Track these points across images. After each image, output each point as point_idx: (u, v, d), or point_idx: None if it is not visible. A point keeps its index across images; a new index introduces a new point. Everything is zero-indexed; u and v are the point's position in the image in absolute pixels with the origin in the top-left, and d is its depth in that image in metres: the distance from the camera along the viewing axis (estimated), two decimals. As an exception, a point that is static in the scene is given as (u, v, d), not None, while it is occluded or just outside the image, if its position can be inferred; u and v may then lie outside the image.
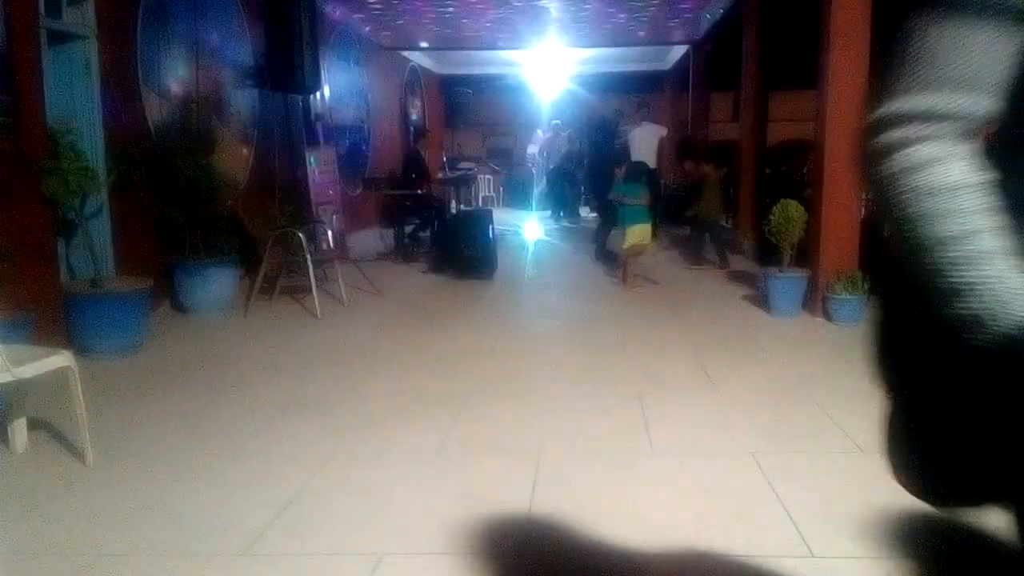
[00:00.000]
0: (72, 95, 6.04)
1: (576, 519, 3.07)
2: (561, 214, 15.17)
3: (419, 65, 17.14)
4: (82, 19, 6.04)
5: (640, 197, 8.24)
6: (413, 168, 11.28)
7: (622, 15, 12.22)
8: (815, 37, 6.68)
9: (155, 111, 7.01)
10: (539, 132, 16.96)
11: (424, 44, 15.04)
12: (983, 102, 0.90)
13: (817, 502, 3.19)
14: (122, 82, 6.51)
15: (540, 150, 16.55)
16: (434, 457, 3.74)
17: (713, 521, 3.05)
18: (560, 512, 3.13)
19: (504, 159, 19.05)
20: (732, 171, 11.19)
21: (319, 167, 9.62)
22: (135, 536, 2.97)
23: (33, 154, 5.18)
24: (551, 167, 15.71)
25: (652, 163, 11.72)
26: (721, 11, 11.60)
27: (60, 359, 3.54)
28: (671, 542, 2.90)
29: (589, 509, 3.16)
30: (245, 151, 8.84)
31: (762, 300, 6.89)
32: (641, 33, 13.77)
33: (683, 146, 12.77)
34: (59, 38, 5.90)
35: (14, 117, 5.09)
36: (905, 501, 3.14)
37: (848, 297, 6.26)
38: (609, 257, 9.28)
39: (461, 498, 3.28)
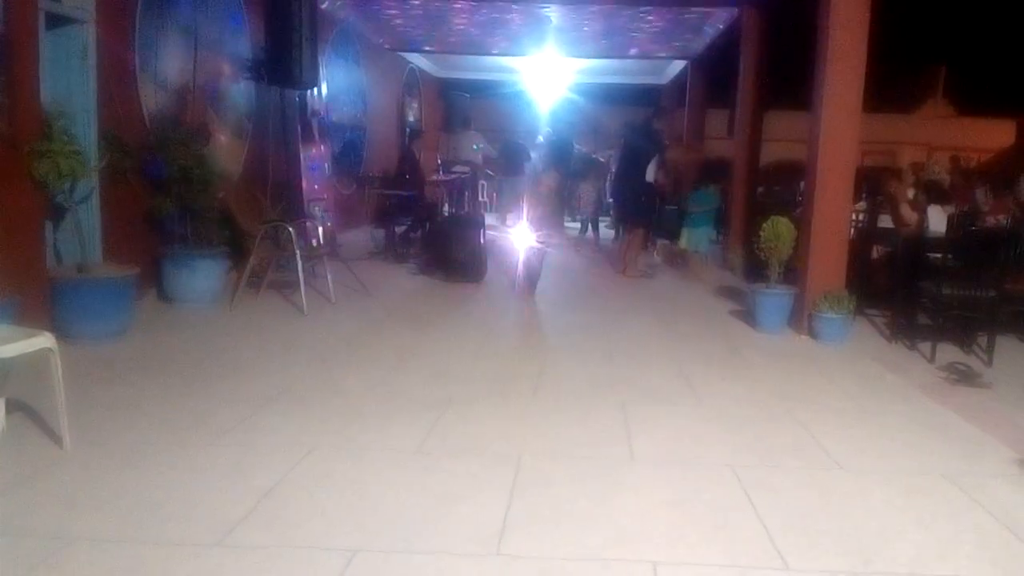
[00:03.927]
0: (68, 79, 6.01)
1: (553, 524, 3.07)
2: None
3: (418, 67, 17.16)
4: (81, 3, 6.02)
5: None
6: (407, 169, 11.27)
7: (622, 28, 12.28)
8: (812, 58, 6.72)
9: (150, 99, 6.99)
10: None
11: (424, 47, 15.06)
12: None
13: (794, 516, 3.20)
14: (118, 69, 6.49)
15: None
16: (413, 456, 3.73)
17: (690, 531, 3.05)
18: (537, 516, 3.13)
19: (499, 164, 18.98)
20: (725, 187, 11.25)
21: (313, 163, 9.60)
22: (108, 522, 2.95)
23: (25, 136, 5.15)
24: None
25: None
26: (720, 27, 11.68)
27: (42, 340, 3.52)
28: (648, 550, 2.90)
29: (566, 514, 3.15)
30: (239, 144, 8.82)
31: (749, 316, 6.91)
32: (640, 47, 13.84)
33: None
34: (57, 21, 5.87)
35: (8, 98, 5.06)
36: (884, 517, 3.13)
37: (833, 316, 6.29)
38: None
39: (438, 498, 3.27)
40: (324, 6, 10.67)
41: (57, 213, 5.83)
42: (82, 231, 5.71)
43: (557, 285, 8.97)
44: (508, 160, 15.26)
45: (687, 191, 12.17)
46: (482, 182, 17.35)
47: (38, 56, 5.37)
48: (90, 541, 2.81)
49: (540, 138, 15.50)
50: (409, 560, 2.77)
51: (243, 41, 8.83)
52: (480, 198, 17.45)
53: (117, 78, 6.46)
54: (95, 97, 6.14)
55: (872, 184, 9.26)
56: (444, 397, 4.60)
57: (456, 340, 6.18)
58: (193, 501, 3.15)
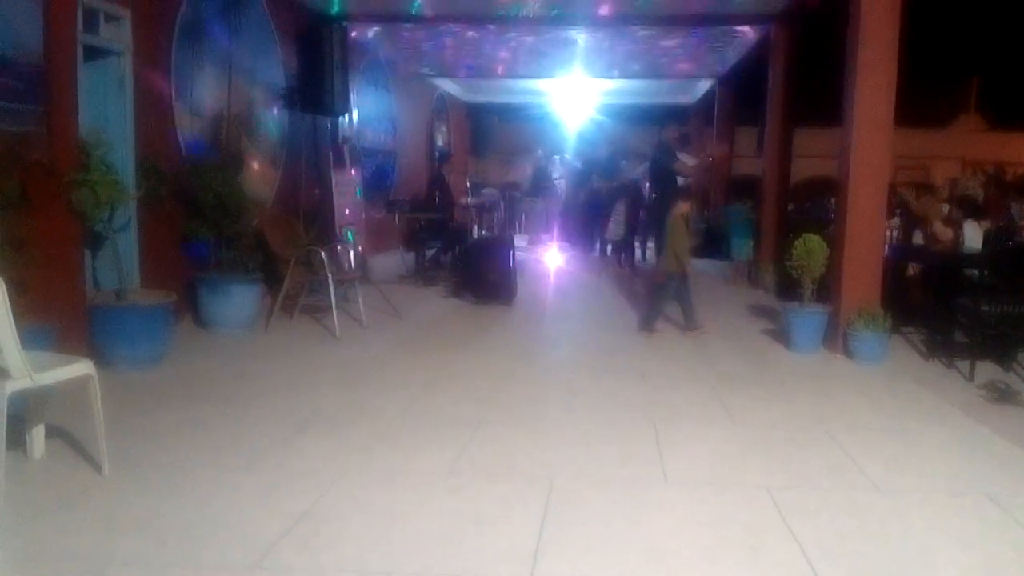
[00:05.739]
0: (106, 109, 6.16)
1: (586, 546, 3.05)
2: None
3: (447, 92, 17.32)
4: (119, 36, 6.18)
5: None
6: (436, 192, 11.35)
7: (649, 48, 12.30)
8: (841, 74, 6.68)
9: (186, 128, 7.12)
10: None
11: (452, 72, 15.20)
12: None
13: (831, 538, 3.15)
14: (155, 98, 6.64)
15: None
16: (445, 478, 3.73)
17: (725, 554, 3.02)
18: (570, 538, 3.11)
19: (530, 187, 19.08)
20: (754, 205, 11.24)
21: (344, 188, 9.70)
22: (145, 545, 2.99)
23: (64, 165, 5.27)
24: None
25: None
26: (748, 45, 11.66)
27: (81, 367, 3.58)
28: (682, 573, 2.87)
29: (600, 536, 3.13)
30: (272, 170, 8.95)
31: (782, 335, 6.84)
32: (668, 67, 13.84)
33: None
34: (96, 53, 6.03)
35: (47, 128, 5.19)
36: (924, 538, 3.07)
37: (869, 334, 6.20)
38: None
39: (471, 520, 3.26)
40: (355, 35, 10.82)
41: (95, 240, 5.94)
42: (120, 258, 5.82)
43: (589, 306, 8.97)
44: (535, 182, 15.37)
45: (719, 208, 13.52)
46: (510, 204, 17.46)
47: (77, 87, 5.51)
48: (128, 564, 2.84)
49: (558, 164, 15.66)
50: (442, 583, 2.77)
51: (276, 70, 8.98)
52: (509, 220, 17.53)
53: (154, 108, 6.60)
54: (132, 127, 6.28)
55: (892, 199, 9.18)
56: (475, 418, 4.61)
57: (487, 361, 6.18)
58: (229, 524, 3.18)
